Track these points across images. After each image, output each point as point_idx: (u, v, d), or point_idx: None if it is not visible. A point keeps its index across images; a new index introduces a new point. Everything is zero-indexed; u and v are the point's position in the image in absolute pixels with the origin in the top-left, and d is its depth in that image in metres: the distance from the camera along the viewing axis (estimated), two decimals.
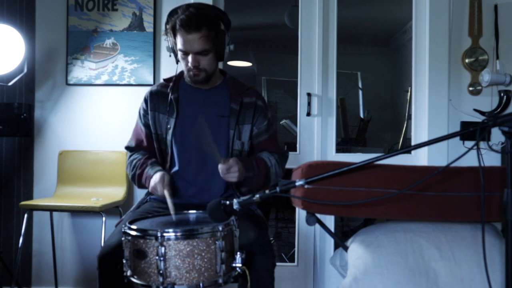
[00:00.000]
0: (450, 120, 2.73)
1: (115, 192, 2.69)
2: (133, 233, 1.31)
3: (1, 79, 2.66)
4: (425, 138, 2.75)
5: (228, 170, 1.67)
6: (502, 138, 1.60)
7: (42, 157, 2.87)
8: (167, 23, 1.79)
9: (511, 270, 1.19)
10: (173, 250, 1.26)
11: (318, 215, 1.51)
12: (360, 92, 6.43)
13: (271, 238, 3.72)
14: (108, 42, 2.84)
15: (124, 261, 1.36)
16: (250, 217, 1.75)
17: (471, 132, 1.26)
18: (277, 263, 1.67)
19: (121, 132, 2.80)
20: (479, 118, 2.69)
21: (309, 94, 2.83)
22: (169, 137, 1.85)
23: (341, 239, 1.72)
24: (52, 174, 2.83)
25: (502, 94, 2.65)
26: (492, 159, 2.59)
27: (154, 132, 1.88)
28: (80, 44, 2.85)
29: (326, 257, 2.81)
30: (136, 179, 1.86)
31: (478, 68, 2.73)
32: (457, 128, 2.73)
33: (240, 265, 1.34)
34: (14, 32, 2.61)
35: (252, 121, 1.87)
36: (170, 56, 1.86)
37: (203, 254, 1.28)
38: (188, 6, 1.75)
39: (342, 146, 4.72)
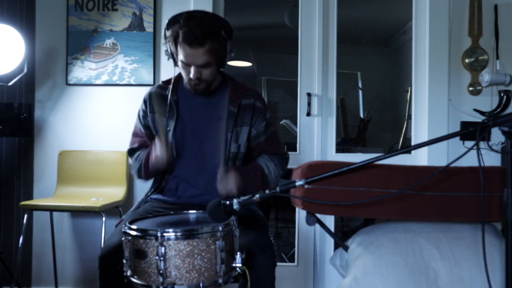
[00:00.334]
0: (450, 120, 2.73)
1: (115, 192, 2.69)
2: (133, 233, 1.31)
3: (1, 79, 2.67)
4: (425, 138, 2.75)
5: (225, 187, 1.71)
6: (502, 138, 1.60)
7: (42, 157, 2.87)
8: (167, 28, 1.76)
9: (511, 270, 1.19)
10: (173, 250, 1.26)
11: (318, 215, 1.51)
12: (360, 92, 6.43)
13: (271, 238, 3.72)
14: (108, 42, 2.84)
15: (124, 261, 1.36)
16: (251, 217, 1.75)
17: (471, 132, 1.26)
18: (277, 263, 1.66)
19: (121, 132, 2.80)
20: (479, 118, 2.69)
21: (309, 94, 2.83)
22: (169, 139, 1.85)
23: (341, 239, 1.72)
24: (52, 174, 2.83)
25: (502, 94, 2.65)
26: (492, 159, 2.59)
27: (155, 134, 1.89)
28: (80, 44, 2.85)
29: (326, 257, 2.81)
30: (143, 168, 1.86)
31: (478, 68, 2.73)
32: (457, 128, 2.73)
33: (240, 265, 1.34)
34: (14, 32, 2.61)
35: (250, 122, 1.87)
36: (168, 60, 1.84)
37: (203, 254, 1.28)
38: (191, 16, 1.72)
39: (342, 146, 4.72)
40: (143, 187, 2.55)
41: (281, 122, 4.39)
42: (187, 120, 1.87)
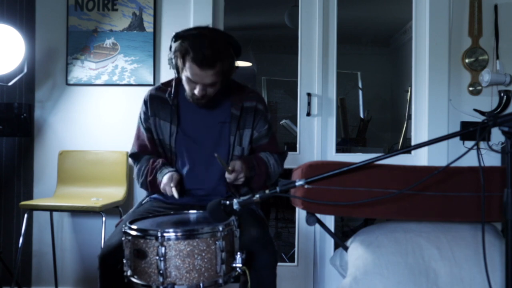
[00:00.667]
0: (450, 120, 2.73)
1: (115, 192, 2.69)
2: (134, 233, 1.31)
3: (1, 79, 2.66)
4: (425, 138, 2.75)
5: (236, 180, 1.74)
6: (502, 138, 1.60)
7: (42, 157, 2.87)
8: (174, 41, 1.71)
9: (511, 270, 1.19)
10: (173, 250, 1.26)
11: (318, 215, 1.51)
12: (360, 92, 6.43)
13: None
14: (108, 42, 2.84)
15: (124, 261, 1.36)
16: (252, 216, 1.76)
17: (471, 132, 1.26)
18: (278, 263, 1.67)
19: (121, 132, 2.80)
20: (479, 118, 2.69)
21: (309, 94, 2.83)
22: (172, 143, 1.85)
23: (341, 239, 1.72)
24: (52, 174, 2.83)
25: (502, 94, 2.65)
26: (492, 159, 2.59)
27: (157, 138, 1.88)
28: (80, 44, 2.85)
29: (326, 257, 2.81)
30: (149, 185, 1.86)
31: (478, 68, 2.73)
32: (457, 128, 2.73)
33: (240, 265, 1.34)
34: (14, 32, 2.61)
35: (252, 125, 1.88)
36: (170, 69, 1.79)
37: (203, 254, 1.28)
38: (201, 35, 1.67)
39: (342, 146, 4.72)
40: None
41: (281, 122, 4.39)
42: (189, 124, 1.87)
